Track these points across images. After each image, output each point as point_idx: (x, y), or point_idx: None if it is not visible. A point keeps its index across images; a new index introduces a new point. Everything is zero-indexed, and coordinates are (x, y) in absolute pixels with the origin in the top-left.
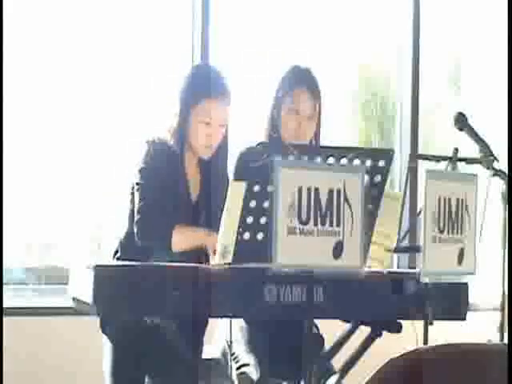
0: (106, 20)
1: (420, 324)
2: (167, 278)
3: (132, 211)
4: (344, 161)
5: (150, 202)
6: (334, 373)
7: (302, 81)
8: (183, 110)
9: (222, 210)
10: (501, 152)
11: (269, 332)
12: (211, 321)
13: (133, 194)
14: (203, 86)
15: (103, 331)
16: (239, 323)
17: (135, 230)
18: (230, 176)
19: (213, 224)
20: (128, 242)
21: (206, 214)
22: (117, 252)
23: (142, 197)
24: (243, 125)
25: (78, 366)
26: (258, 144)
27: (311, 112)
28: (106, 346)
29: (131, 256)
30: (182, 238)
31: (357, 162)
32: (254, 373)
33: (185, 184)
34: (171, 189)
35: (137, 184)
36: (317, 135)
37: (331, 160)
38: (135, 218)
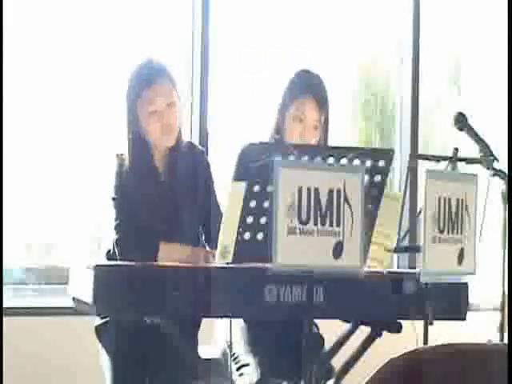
0: (105, 20)
1: (420, 324)
2: (167, 277)
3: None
4: (344, 161)
5: (128, 217)
6: (334, 373)
7: (308, 89)
8: (129, 112)
9: (193, 188)
10: (501, 152)
11: (269, 332)
12: (211, 321)
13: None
14: (138, 80)
15: (100, 341)
16: (239, 323)
17: (116, 250)
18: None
19: (184, 203)
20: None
21: (178, 194)
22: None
23: (118, 213)
24: (242, 123)
25: (78, 365)
26: (259, 143)
27: (315, 122)
28: (102, 353)
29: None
30: (169, 254)
31: (357, 162)
32: (254, 373)
33: (154, 170)
34: (146, 200)
35: (112, 200)
36: (323, 144)
37: (331, 160)
38: (114, 237)
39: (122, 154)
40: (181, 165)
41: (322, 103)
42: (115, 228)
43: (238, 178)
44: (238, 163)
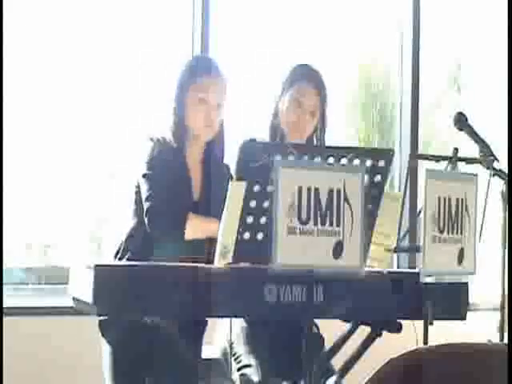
0: (106, 20)
1: (420, 324)
2: (167, 277)
3: (136, 208)
4: (344, 161)
5: (160, 190)
6: (334, 373)
7: (309, 77)
8: (179, 94)
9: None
10: (501, 152)
11: (269, 332)
12: (211, 321)
13: (138, 189)
14: (197, 68)
15: (103, 336)
16: (240, 323)
17: (146, 219)
18: (231, 167)
19: (210, 195)
20: (130, 240)
21: (207, 214)
22: (118, 252)
23: (150, 185)
24: (243, 121)
25: (78, 365)
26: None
27: (314, 108)
28: (105, 349)
29: (133, 254)
30: (197, 227)
31: (357, 162)
32: (255, 374)
33: (187, 183)
34: (176, 187)
35: (144, 176)
36: (320, 133)
37: (331, 160)
38: (145, 207)
39: (155, 139)
40: (213, 161)
41: (321, 92)
42: (147, 198)
43: (239, 174)
44: (239, 160)
